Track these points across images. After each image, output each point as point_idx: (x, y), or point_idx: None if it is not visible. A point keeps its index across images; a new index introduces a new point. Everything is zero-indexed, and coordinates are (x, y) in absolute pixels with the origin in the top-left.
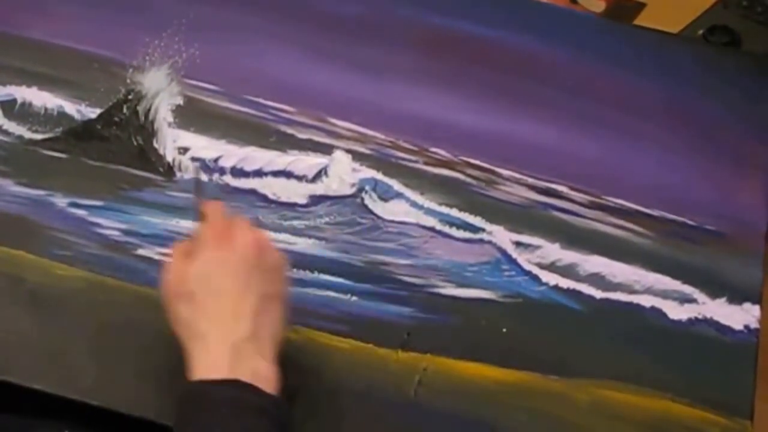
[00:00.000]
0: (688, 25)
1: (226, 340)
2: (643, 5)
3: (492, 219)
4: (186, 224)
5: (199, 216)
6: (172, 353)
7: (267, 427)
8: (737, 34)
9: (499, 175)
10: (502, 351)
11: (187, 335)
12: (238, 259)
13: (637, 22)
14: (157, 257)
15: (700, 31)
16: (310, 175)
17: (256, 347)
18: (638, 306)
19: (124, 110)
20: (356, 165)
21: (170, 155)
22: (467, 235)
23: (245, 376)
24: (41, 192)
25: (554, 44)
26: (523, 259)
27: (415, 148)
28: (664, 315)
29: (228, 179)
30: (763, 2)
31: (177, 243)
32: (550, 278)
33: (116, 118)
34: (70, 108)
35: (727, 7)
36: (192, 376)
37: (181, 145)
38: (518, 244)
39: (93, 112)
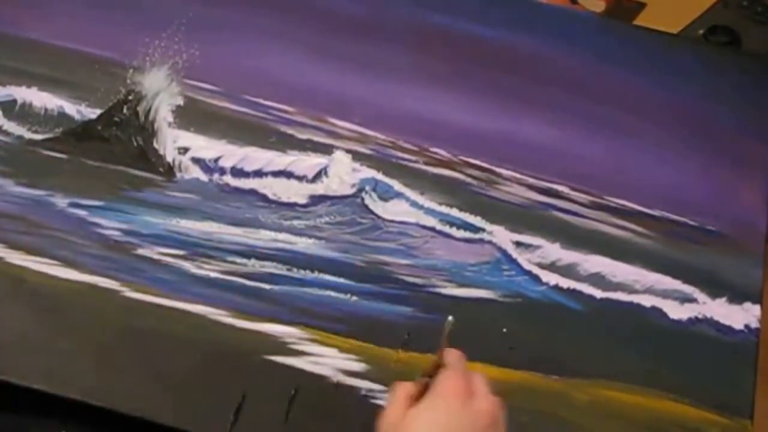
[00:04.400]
0: (688, 25)
1: None
2: (643, 5)
3: (492, 219)
4: (186, 224)
5: (437, 361)
6: (171, 353)
7: None
8: (737, 34)
9: (499, 175)
10: (502, 351)
11: None
12: (470, 421)
13: (637, 22)
14: (156, 257)
15: (700, 31)
16: (310, 175)
17: None
18: (639, 306)
19: (125, 111)
20: (356, 165)
21: (170, 155)
22: (467, 234)
23: None
24: (42, 192)
25: (555, 44)
26: (523, 258)
27: (415, 148)
28: (665, 315)
29: (228, 179)
30: (763, 2)
31: (401, 383)
32: (551, 278)
33: (116, 119)
34: (70, 108)
35: (727, 7)
36: None
37: (181, 145)
38: (518, 243)
39: (93, 113)
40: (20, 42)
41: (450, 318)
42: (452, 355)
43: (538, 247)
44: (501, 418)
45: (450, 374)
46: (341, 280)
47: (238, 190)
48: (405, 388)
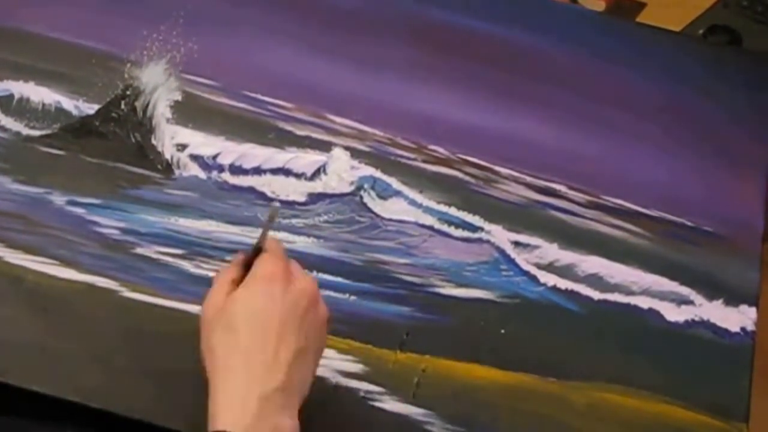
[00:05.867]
0: (688, 25)
1: (256, 390)
2: (644, 5)
3: (490, 218)
4: (184, 222)
5: (257, 246)
6: (170, 354)
7: None
8: (737, 34)
9: (498, 174)
10: (500, 352)
11: (215, 365)
12: (290, 303)
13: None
14: (155, 256)
15: (701, 31)
16: (309, 173)
17: (284, 401)
18: (636, 308)
19: (122, 106)
20: (355, 162)
21: (168, 152)
22: (466, 234)
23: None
24: (39, 189)
25: (555, 41)
26: (521, 259)
27: (414, 146)
28: (662, 317)
29: (226, 177)
30: (763, 2)
31: (224, 269)
32: (549, 279)
33: (114, 114)
34: (68, 104)
35: (727, 6)
36: (214, 414)
37: (179, 141)
38: (516, 243)
39: (91, 108)
40: (17, 35)
41: (277, 204)
42: (272, 242)
43: (536, 247)
44: (319, 296)
45: (267, 257)
46: (340, 279)
47: (236, 188)
48: (226, 273)
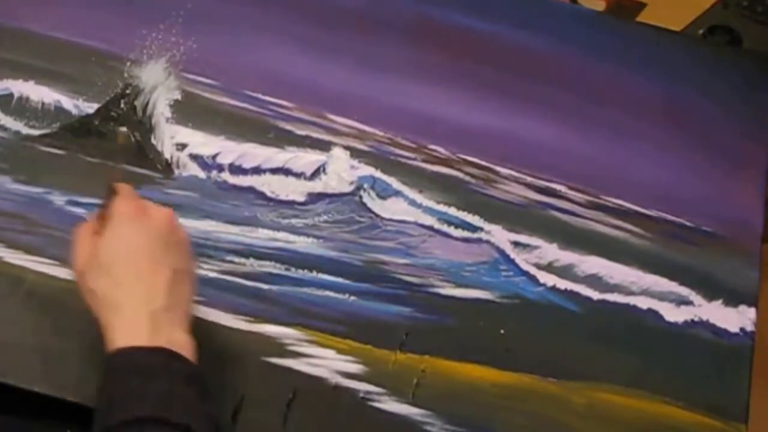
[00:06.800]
0: (688, 25)
1: (143, 310)
2: (644, 5)
3: (490, 218)
4: (184, 223)
5: (108, 192)
6: None
7: (196, 394)
8: (737, 34)
9: (498, 174)
10: (500, 353)
11: (102, 307)
12: (152, 234)
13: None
14: None
15: (701, 31)
16: (309, 173)
17: (172, 318)
18: (635, 308)
19: (122, 105)
20: (354, 162)
21: (168, 152)
22: (465, 234)
23: (164, 344)
24: (39, 189)
25: (555, 41)
26: (521, 259)
27: (414, 146)
28: (661, 317)
29: (226, 176)
30: (763, 2)
31: (82, 223)
32: (548, 279)
33: (113, 114)
34: (68, 103)
35: (727, 7)
36: (111, 341)
37: (179, 141)
38: (516, 243)
39: (90, 107)
40: (17, 34)
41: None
42: (122, 186)
43: (535, 247)
44: (177, 221)
45: (120, 200)
46: (339, 279)
47: (236, 188)
48: (86, 227)
